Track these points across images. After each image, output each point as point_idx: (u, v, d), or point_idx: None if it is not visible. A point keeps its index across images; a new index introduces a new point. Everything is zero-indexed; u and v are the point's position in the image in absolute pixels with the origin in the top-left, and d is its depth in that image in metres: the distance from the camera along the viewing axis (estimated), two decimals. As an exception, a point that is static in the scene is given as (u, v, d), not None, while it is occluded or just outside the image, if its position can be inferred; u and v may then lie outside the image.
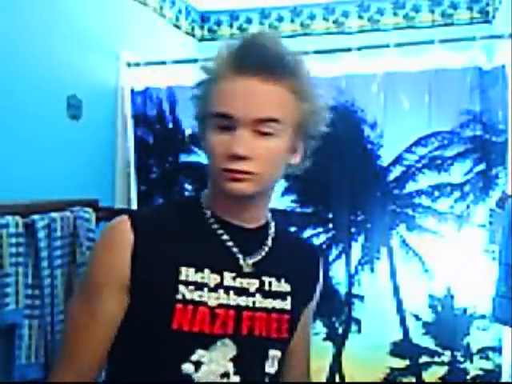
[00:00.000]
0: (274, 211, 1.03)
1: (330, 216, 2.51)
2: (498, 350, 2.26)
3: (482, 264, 2.23)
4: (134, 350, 0.94)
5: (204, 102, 0.94)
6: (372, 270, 2.42)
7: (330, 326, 2.48)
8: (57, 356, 1.20)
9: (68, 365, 0.96)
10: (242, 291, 0.94)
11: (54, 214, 1.55)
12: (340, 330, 2.46)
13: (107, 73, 2.53)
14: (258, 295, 0.95)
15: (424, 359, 2.37)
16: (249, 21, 3.34)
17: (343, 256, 2.46)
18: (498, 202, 2.07)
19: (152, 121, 2.68)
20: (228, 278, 0.94)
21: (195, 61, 2.55)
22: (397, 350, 2.38)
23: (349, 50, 2.42)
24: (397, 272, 2.39)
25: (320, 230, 2.51)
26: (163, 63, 2.63)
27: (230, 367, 0.92)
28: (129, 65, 2.64)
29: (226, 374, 0.91)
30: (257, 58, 0.91)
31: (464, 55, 2.36)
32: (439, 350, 2.35)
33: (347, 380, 2.43)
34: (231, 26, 3.36)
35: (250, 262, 0.96)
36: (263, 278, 0.97)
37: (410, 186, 2.41)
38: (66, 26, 2.19)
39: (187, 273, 0.91)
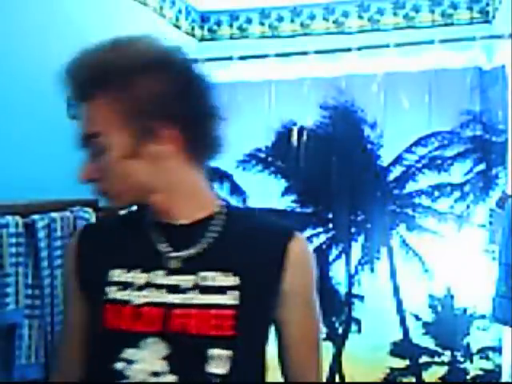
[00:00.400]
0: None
1: (330, 216, 2.51)
2: (498, 349, 2.26)
3: (482, 264, 2.23)
4: (84, 351, 0.99)
5: None
6: (372, 270, 2.43)
7: (330, 326, 2.48)
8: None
9: (57, 366, 1.06)
10: (174, 288, 0.92)
11: (53, 214, 1.55)
12: (340, 330, 2.46)
13: (107, 73, 2.53)
14: (193, 291, 0.91)
15: (424, 359, 2.37)
16: (249, 21, 3.34)
17: (343, 256, 2.46)
18: (497, 202, 2.07)
19: (152, 121, 2.68)
20: (157, 277, 0.93)
21: (195, 61, 2.55)
22: (397, 349, 2.38)
23: (349, 50, 2.43)
24: (397, 272, 2.39)
25: (320, 230, 2.51)
26: (163, 63, 2.62)
27: (163, 366, 0.90)
28: (129, 65, 2.64)
29: (156, 373, 0.90)
30: (70, 86, 0.96)
31: (464, 55, 2.36)
32: (439, 349, 2.35)
33: (347, 380, 2.43)
34: (231, 26, 3.36)
35: (181, 257, 0.94)
36: (202, 274, 0.92)
37: (410, 186, 2.41)
38: (65, 26, 2.19)
39: (116, 274, 0.94)
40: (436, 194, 2.38)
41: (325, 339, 2.48)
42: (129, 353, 0.90)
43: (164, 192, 0.94)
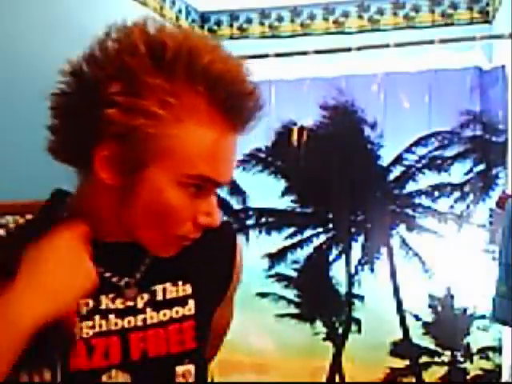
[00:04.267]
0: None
1: (330, 216, 2.51)
2: (498, 350, 2.26)
3: (482, 264, 2.23)
4: None
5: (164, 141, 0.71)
6: (372, 270, 2.43)
7: (330, 326, 2.48)
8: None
9: None
10: (124, 311, 0.79)
11: (53, 214, 1.55)
12: (340, 330, 2.46)
13: (107, 73, 2.53)
14: (148, 310, 0.80)
15: (424, 359, 2.37)
16: (249, 21, 3.34)
17: (343, 256, 2.46)
18: (497, 202, 2.07)
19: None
20: (105, 301, 0.78)
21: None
22: (397, 349, 2.38)
23: (349, 50, 2.42)
24: (397, 272, 2.39)
25: (320, 230, 2.51)
26: (163, 63, 2.62)
27: None
28: (129, 65, 2.63)
29: None
30: (243, 107, 0.74)
31: (464, 55, 2.36)
32: (439, 350, 2.35)
33: (347, 380, 2.43)
34: (231, 26, 3.36)
35: (132, 278, 0.80)
36: (153, 288, 0.81)
37: (410, 186, 2.41)
38: (65, 25, 2.19)
39: None
40: (436, 194, 2.37)
41: (325, 339, 2.48)
42: None
43: None
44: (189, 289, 0.84)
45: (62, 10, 2.17)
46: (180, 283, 0.84)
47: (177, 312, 0.82)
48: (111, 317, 0.78)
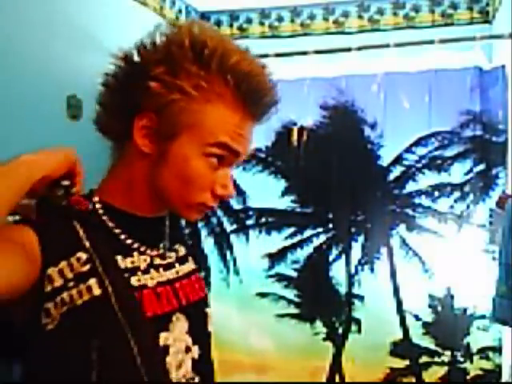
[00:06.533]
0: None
1: (330, 216, 2.51)
2: (498, 350, 2.26)
3: (482, 264, 2.23)
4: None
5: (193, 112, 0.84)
6: (372, 270, 2.43)
7: (330, 326, 2.48)
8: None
9: None
10: (166, 266, 0.94)
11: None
12: (340, 330, 2.46)
13: (107, 73, 2.53)
14: (177, 264, 0.97)
15: (424, 359, 2.37)
16: (249, 21, 3.34)
17: (343, 256, 2.46)
18: (497, 202, 2.07)
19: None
20: (154, 258, 0.93)
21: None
22: (397, 349, 2.38)
23: (349, 50, 2.43)
24: (397, 272, 2.39)
25: (320, 230, 2.51)
26: (163, 63, 2.62)
27: (189, 340, 0.91)
28: (129, 65, 2.63)
29: (188, 348, 0.91)
30: (265, 103, 0.92)
31: (464, 55, 2.36)
32: (439, 350, 2.35)
33: (347, 380, 2.43)
34: (231, 26, 3.36)
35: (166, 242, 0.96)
36: (174, 247, 0.98)
37: (410, 186, 2.41)
38: (65, 25, 2.19)
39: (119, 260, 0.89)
40: (436, 194, 2.38)
41: (325, 339, 2.48)
42: (163, 337, 0.87)
43: None
44: (184, 250, 1.01)
45: (61, 11, 2.17)
46: (178, 244, 1.00)
47: (189, 266, 1.00)
48: (159, 269, 0.92)
